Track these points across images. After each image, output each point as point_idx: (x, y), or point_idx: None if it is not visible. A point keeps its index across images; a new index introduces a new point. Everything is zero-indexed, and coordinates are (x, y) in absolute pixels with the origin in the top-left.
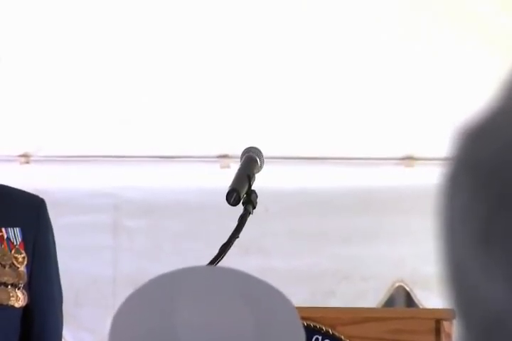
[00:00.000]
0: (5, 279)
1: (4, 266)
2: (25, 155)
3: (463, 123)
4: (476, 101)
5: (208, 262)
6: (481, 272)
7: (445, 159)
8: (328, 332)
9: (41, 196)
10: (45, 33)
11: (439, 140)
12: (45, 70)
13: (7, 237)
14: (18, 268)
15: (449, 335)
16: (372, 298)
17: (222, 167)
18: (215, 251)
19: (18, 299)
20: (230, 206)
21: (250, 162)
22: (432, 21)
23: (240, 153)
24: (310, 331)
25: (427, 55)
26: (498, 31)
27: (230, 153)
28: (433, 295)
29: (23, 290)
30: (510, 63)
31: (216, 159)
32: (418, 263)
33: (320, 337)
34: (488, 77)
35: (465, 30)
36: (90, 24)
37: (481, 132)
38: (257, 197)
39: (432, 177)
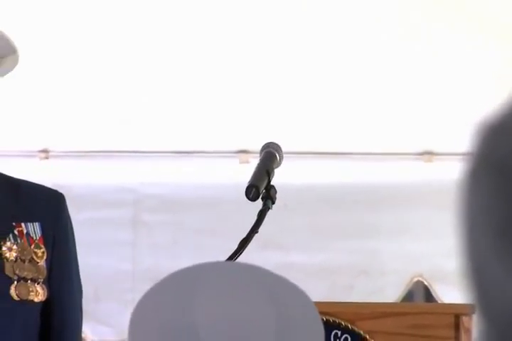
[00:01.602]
0: (24, 274)
1: (24, 261)
2: (44, 151)
3: (482, 119)
4: (493, 97)
5: (226, 257)
6: (501, 269)
7: (464, 154)
8: (347, 326)
9: (60, 191)
10: (62, 31)
11: (458, 135)
12: (63, 67)
13: (27, 232)
14: (37, 263)
15: (468, 330)
16: (390, 293)
17: (241, 162)
18: (234, 246)
19: (38, 294)
20: (249, 201)
21: (269, 157)
22: (442, 16)
23: (259, 148)
24: (329, 326)
25: (444, 52)
26: (504, 25)
27: (249, 148)
28: (452, 290)
29: (43, 285)
30: None
31: (235, 154)
32: (437, 258)
33: (339, 332)
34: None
35: (476, 26)
36: (101, 25)
37: (500, 129)
38: (276, 192)
39: (451, 172)
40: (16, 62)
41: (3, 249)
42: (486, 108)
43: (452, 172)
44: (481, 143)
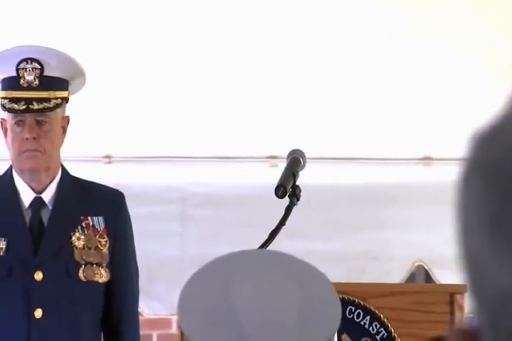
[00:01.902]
0: (91, 259)
1: (90, 249)
2: (108, 157)
3: (477, 128)
4: (489, 106)
5: (259, 246)
6: (492, 255)
7: (459, 159)
8: (360, 303)
9: (121, 190)
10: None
11: (453, 142)
12: (124, 84)
13: (92, 224)
14: (101, 250)
15: (461, 306)
16: (396, 275)
17: (271, 166)
18: (265, 237)
19: (102, 276)
20: (277, 199)
21: (295, 162)
22: (447, 23)
23: (286, 154)
24: (345, 303)
25: (445, 65)
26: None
27: (278, 154)
28: (448, 273)
29: (106, 269)
30: None
31: (266, 159)
32: (435, 246)
33: (353, 308)
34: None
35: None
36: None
37: (492, 137)
38: (300, 191)
39: (447, 175)
40: (84, 82)
41: (73, 238)
42: (481, 117)
43: (448, 175)
44: (475, 150)
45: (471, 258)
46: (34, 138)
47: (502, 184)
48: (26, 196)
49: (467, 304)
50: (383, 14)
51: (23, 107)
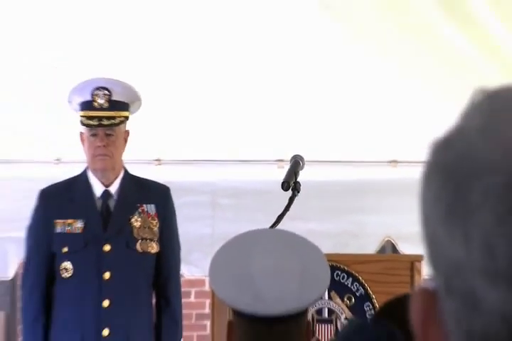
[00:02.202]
0: (145, 236)
1: (145, 228)
2: (158, 159)
3: (434, 136)
4: (443, 118)
5: (269, 226)
6: (445, 234)
7: (419, 162)
8: (344, 269)
9: (167, 185)
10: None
11: (414, 148)
12: (175, 100)
13: (146, 210)
14: (153, 229)
15: (419, 271)
16: (371, 248)
17: (278, 167)
18: (274, 220)
19: (153, 248)
20: (283, 191)
21: (296, 164)
22: (418, 48)
23: (289, 158)
24: (333, 268)
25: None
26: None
27: (283, 158)
28: (409, 246)
29: (156, 243)
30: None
31: (275, 162)
32: (400, 227)
33: (339, 272)
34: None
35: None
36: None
37: (446, 143)
38: (300, 185)
39: (409, 174)
40: (140, 105)
41: (132, 220)
42: (438, 127)
43: (410, 174)
44: (434, 154)
45: (430, 236)
46: (104, 146)
47: (454, 180)
48: (98, 189)
49: (424, 269)
50: (355, 44)
51: (96, 123)
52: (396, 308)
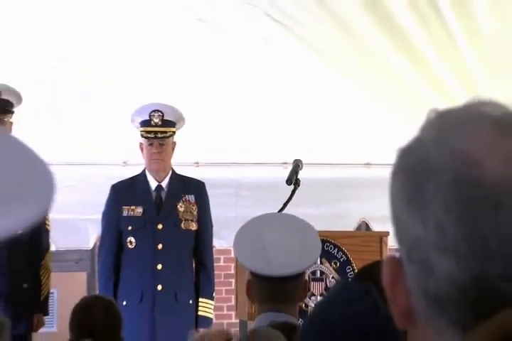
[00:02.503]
0: (188, 217)
1: (187, 212)
2: (197, 162)
3: (400, 144)
4: (408, 129)
5: (277, 211)
6: (408, 216)
7: (388, 164)
8: (332, 241)
9: (204, 181)
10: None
11: (384, 153)
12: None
13: (188, 199)
14: (193, 212)
15: (386, 244)
16: (350, 227)
17: (283, 168)
18: (280, 206)
19: (193, 226)
20: (287, 186)
21: (297, 165)
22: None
23: (291, 161)
24: (323, 241)
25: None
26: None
27: (287, 161)
28: (379, 225)
29: (195, 223)
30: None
31: (281, 164)
32: (372, 211)
33: (328, 244)
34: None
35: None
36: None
37: (409, 149)
38: (300, 181)
39: (380, 174)
40: (184, 123)
41: (178, 206)
42: (404, 136)
43: (380, 174)
44: (399, 158)
45: (397, 220)
46: (158, 152)
47: (414, 178)
48: (153, 184)
49: (389, 242)
50: (329, 72)
51: (153, 136)
52: (371, 271)
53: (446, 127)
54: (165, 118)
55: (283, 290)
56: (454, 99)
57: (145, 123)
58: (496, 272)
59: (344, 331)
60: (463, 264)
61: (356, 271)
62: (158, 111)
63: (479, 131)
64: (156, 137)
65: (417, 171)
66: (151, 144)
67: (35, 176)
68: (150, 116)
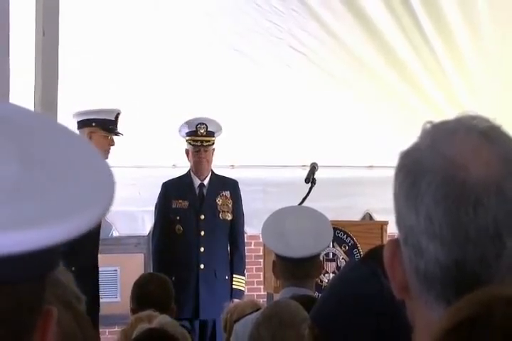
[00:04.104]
0: (225, 209)
1: (224, 205)
2: (232, 165)
3: (401, 149)
4: (404, 138)
5: (297, 204)
6: (405, 208)
7: (387, 166)
8: (342, 229)
9: (238, 180)
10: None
11: (385, 157)
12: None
13: (224, 194)
14: (228, 205)
15: (386, 231)
16: (357, 217)
17: (302, 169)
18: (299, 200)
19: (229, 216)
20: (305, 184)
21: (313, 167)
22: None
23: (309, 164)
24: (335, 229)
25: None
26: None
27: (306, 163)
28: (380, 216)
29: (231, 213)
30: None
31: (300, 166)
32: (375, 204)
33: (338, 231)
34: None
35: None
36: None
37: (408, 152)
38: (316, 180)
39: (381, 174)
40: (221, 133)
41: (217, 200)
42: (403, 142)
43: (382, 174)
44: (400, 159)
45: (397, 210)
46: (203, 157)
47: (411, 176)
48: (196, 182)
49: (389, 230)
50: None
51: (199, 144)
52: (376, 254)
53: (440, 136)
54: (208, 129)
55: (302, 268)
56: (441, 110)
57: (192, 134)
58: (475, 257)
59: (352, 307)
60: (447, 249)
61: (362, 252)
62: (203, 123)
63: (467, 140)
64: (202, 145)
65: (414, 171)
66: (197, 151)
67: (97, 178)
68: (196, 127)
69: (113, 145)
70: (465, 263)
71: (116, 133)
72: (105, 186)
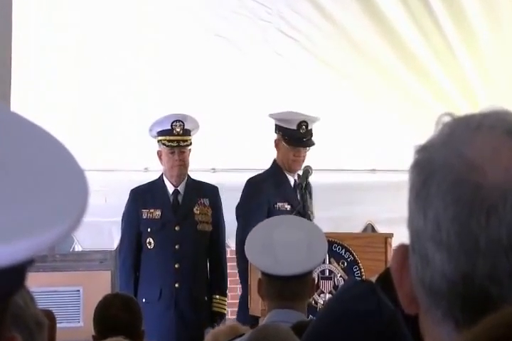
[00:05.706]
0: (203, 219)
1: (202, 214)
2: (213, 168)
3: (402, 152)
4: (407, 140)
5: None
6: (415, 210)
7: (391, 170)
8: (340, 243)
9: (218, 185)
10: None
11: (388, 162)
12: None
13: (203, 202)
14: (207, 215)
15: (390, 244)
16: (357, 229)
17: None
18: None
19: (208, 228)
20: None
21: (306, 172)
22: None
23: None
24: (331, 243)
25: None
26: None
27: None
28: (383, 228)
29: (210, 224)
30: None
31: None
32: (377, 214)
33: (336, 245)
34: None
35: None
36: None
37: (423, 148)
38: (310, 186)
39: (384, 179)
40: (197, 131)
41: (194, 209)
42: (407, 144)
43: (384, 178)
44: (415, 153)
45: (409, 207)
46: (180, 159)
47: (423, 174)
48: (170, 188)
49: (394, 243)
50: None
51: (176, 144)
52: (385, 280)
53: (459, 131)
54: (185, 127)
55: (291, 288)
56: (453, 103)
57: (166, 133)
58: (484, 272)
59: (349, 326)
60: (454, 260)
61: (363, 269)
62: (180, 121)
63: (489, 139)
64: (178, 145)
65: (426, 169)
66: (172, 152)
67: (68, 184)
68: (172, 125)
69: None
70: (474, 278)
71: None
72: (77, 194)
